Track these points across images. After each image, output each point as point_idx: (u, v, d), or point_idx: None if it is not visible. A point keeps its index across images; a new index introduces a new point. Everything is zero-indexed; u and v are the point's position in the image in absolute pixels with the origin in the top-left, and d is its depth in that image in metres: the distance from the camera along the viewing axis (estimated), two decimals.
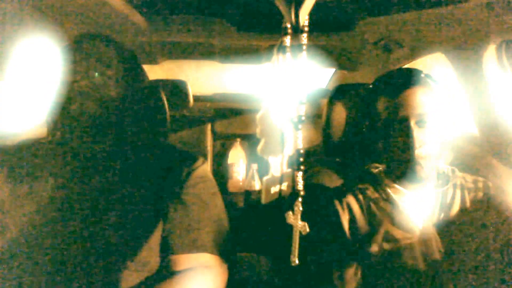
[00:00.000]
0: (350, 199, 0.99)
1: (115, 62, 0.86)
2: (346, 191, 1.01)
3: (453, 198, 0.97)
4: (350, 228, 0.96)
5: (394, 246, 0.92)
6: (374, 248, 0.93)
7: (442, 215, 0.95)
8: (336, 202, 0.99)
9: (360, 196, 0.99)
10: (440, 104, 0.93)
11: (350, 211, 0.97)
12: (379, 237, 0.93)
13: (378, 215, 0.96)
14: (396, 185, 0.98)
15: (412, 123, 0.89)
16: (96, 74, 0.84)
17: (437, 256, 0.90)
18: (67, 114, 0.83)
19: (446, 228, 0.93)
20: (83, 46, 0.85)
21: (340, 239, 0.96)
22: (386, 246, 0.92)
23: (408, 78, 0.93)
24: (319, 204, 1.01)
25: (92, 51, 0.85)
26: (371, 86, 1.02)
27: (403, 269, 0.91)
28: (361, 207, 0.98)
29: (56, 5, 1.06)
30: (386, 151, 0.95)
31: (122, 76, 0.87)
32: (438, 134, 0.91)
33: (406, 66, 1.60)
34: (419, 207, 0.96)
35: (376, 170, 1.03)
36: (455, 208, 0.96)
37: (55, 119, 0.86)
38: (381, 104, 0.94)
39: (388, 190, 0.98)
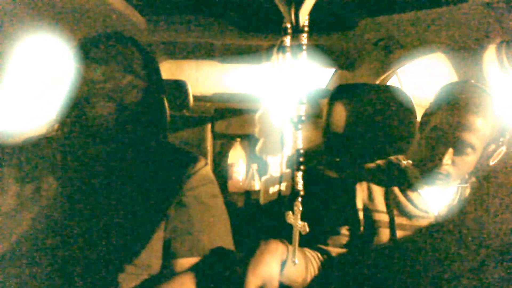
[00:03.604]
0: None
1: (138, 67, 0.84)
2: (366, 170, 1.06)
3: (469, 195, 1.02)
4: (366, 197, 1.00)
5: (406, 223, 0.97)
6: (386, 219, 0.97)
7: (457, 207, 0.99)
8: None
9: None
10: (492, 140, 0.94)
11: (369, 186, 1.02)
12: (394, 209, 0.98)
13: (396, 190, 1.01)
14: (420, 175, 1.01)
15: (451, 147, 0.91)
16: (121, 77, 0.81)
17: (448, 241, 0.94)
18: (82, 116, 0.82)
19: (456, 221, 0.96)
20: (106, 47, 0.83)
21: (351, 207, 1.00)
22: (399, 220, 0.97)
23: (474, 101, 0.92)
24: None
25: (116, 53, 0.83)
26: (439, 90, 1.02)
27: (413, 251, 0.94)
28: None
29: (56, 5, 1.06)
30: (422, 152, 0.99)
31: (143, 82, 0.86)
32: (473, 164, 0.95)
33: (406, 66, 1.60)
34: (438, 195, 1.00)
35: (405, 162, 1.06)
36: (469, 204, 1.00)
37: (67, 120, 0.85)
38: (436, 113, 0.95)
39: (414, 178, 1.02)
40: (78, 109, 0.82)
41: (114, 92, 0.81)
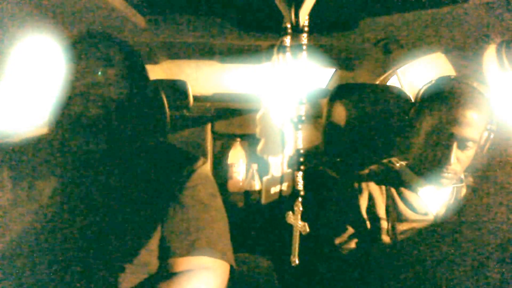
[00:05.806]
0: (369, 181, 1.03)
1: (117, 61, 0.85)
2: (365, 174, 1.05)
3: (466, 194, 1.03)
4: (368, 206, 0.99)
5: (407, 228, 0.97)
6: (387, 226, 0.97)
7: (455, 207, 1.00)
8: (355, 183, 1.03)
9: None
10: (485, 129, 0.94)
11: (368, 191, 1.01)
12: (394, 216, 0.98)
13: (396, 197, 1.00)
14: (417, 177, 1.01)
15: (455, 143, 0.91)
16: (99, 73, 0.82)
17: (447, 243, 0.93)
18: (68, 113, 0.83)
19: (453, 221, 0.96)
20: (85, 44, 0.84)
21: (356, 217, 0.99)
22: (399, 226, 0.97)
23: (467, 96, 0.92)
24: (337, 184, 1.06)
25: (95, 49, 0.84)
26: (425, 88, 1.00)
27: (414, 251, 0.94)
28: (380, 187, 1.02)
29: (56, 5, 1.06)
30: (419, 153, 0.97)
31: (124, 76, 0.86)
32: (473, 156, 0.95)
33: (406, 66, 1.60)
34: (434, 196, 1.01)
35: (398, 164, 1.06)
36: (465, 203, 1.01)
37: (57, 118, 0.85)
38: (431, 113, 0.94)
39: (409, 179, 1.02)
40: (67, 107, 0.83)
41: (96, 87, 0.82)
